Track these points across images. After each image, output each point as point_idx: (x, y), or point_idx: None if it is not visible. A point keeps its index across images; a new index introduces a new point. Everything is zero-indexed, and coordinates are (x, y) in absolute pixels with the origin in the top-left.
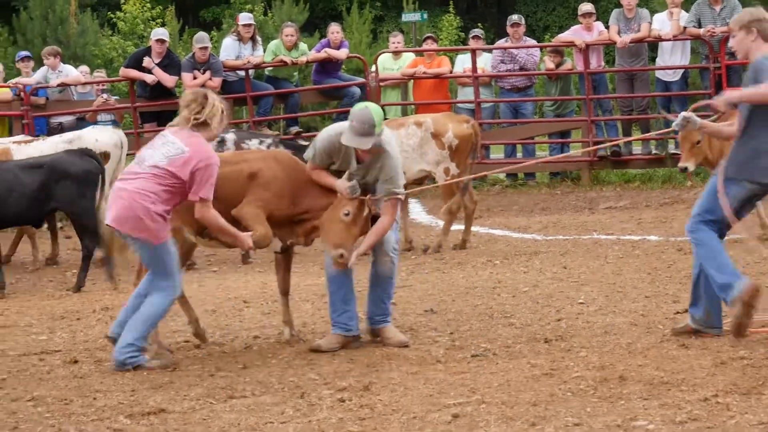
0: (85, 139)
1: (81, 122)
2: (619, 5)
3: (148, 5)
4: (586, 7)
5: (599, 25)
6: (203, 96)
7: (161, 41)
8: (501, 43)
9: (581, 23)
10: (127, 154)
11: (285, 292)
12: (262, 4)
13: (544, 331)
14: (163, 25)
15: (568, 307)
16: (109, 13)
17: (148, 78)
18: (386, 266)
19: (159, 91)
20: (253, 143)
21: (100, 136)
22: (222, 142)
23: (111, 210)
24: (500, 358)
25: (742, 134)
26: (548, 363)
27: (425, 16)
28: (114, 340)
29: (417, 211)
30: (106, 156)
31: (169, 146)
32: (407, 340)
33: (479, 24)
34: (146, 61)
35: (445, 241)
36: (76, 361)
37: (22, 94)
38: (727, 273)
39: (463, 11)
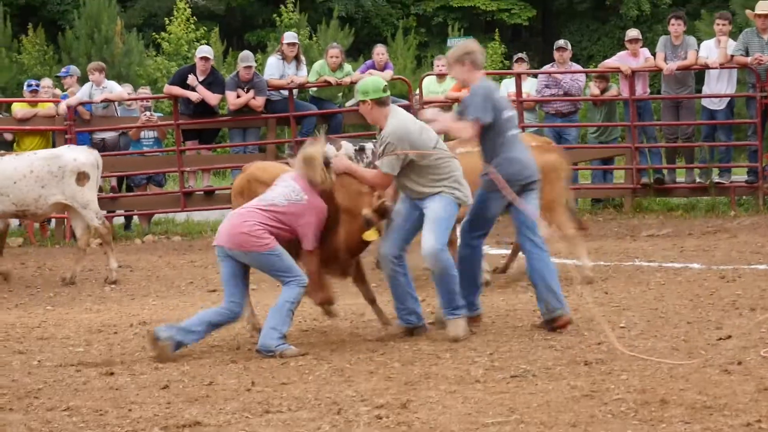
0: (63, 158)
1: (124, 138)
2: (666, 32)
3: (193, 27)
4: (633, 33)
5: (645, 52)
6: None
7: (206, 59)
8: (547, 68)
9: (627, 49)
10: (166, 173)
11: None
12: (308, 28)
13: (584, 353)
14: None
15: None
16: (154, 33)
17: (192, 95)
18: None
19: (202, 108)
20: None
21: (79, 156)
22: (361, 151)
23: (220, 231)
24: (540, 379)
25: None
26: (588, 385)
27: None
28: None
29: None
30: (84, 176)
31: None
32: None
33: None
34: (190, 79)
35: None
36: (112, 373)
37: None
38: None
39: (508, 39)
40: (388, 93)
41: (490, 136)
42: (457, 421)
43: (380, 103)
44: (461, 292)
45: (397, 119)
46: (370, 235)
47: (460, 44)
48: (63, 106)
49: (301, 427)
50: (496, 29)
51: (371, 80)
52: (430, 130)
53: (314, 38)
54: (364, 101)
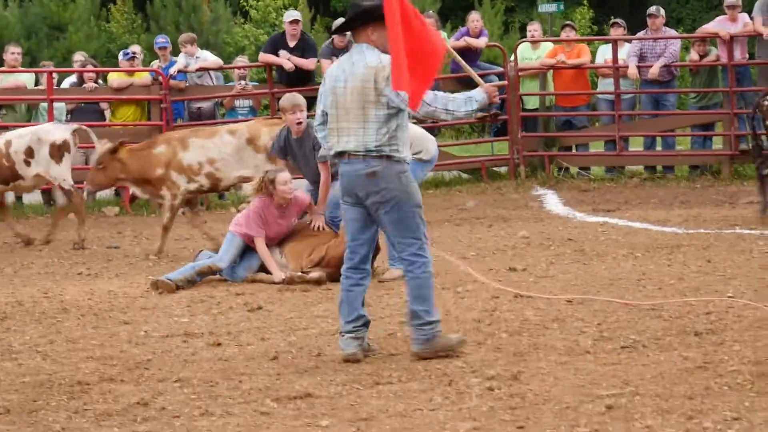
0: (40, 135)
1: (219, 108)
2: None
3: None
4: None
5: (744, 17)
6: None
7: (295, 22)
8: (641, 34)
9: (726, 14)
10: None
11: None
12: None
13: (693, 324)
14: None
15: (717, 300)
16: (241, 1)
17: (287, 64)
18: None
19: (296, 76)
20: None
21: (57, 133)
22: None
23: None
24: (650, 350)
25: None
26: (701, 356)
27: (561, 6)
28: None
29: (554, 202)
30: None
31: None
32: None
33: (611, 16)
34: (282, 55)
35: None
36: (219, 344)
37: (160, 78)
38: None
39: (594, 3)
40: None
41: None
42: (571, 392)
43: None
44: None
45: None
46: None
47: None
48: (173, 70)
49: (412, 399)
50: None
51: None
52: None
53: None
54: None
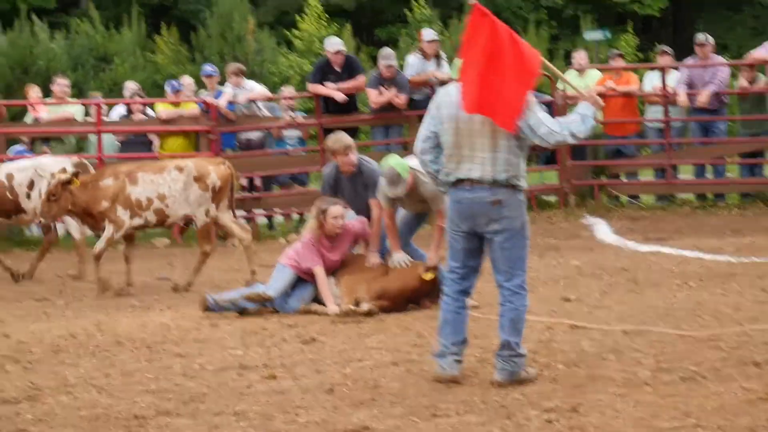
0: (39, 168)
1: (269, 138)
2: None
3: (325, 23)
4: None
5: None
6: None
7: (339, 52)
8: (689, 62)
9: None
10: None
11: None
12: (440, 23)
13: (752, 354)
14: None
15: None
16: (285, 31)
17: (338, 96)
18: None
19: (342, 105)
20: None
21: (55, 166)
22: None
23: None
24: (710, 382)
25: None
26: (762, 387)
27: (608, 34)
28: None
29: (605, 231)
30: None
31: None
32: None
33: (655, 43)
34: (329, 86)
35: (194, 279)
36: (274, 377)
37: (209, 109)
38: None
39: (639, 31)
40: None
41: None
42: (632, 425)
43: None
44: None
45: None
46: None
47: None
48: (223, 101)
49: None
50: (628, 20)
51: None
52: None
53: (446, 33)
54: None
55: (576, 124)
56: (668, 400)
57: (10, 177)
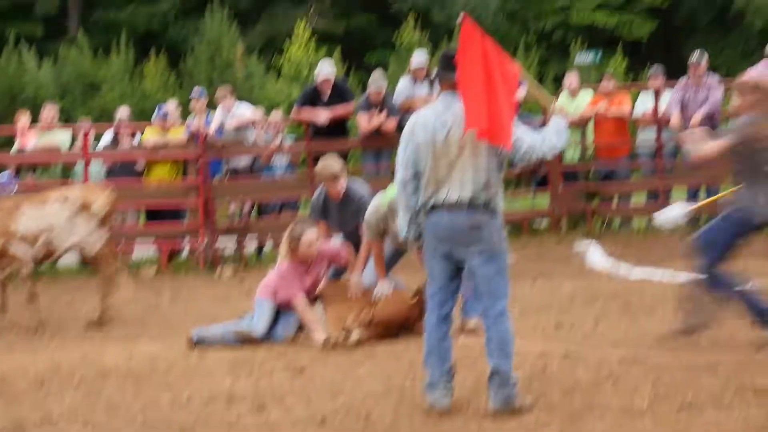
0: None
1: (257, 163)
2: None
3: (313, 49)
4: None
5: None
6: None
7: (327, 80)
8: (682, 82)
9: (766, 59)
10: (300, 198)
11: None
12: (429, 46)
13: (752, 380)
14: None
15: None
16: (274, 57)
17: (321, 118)
18: None
19: (332, 128)
20: None
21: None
22: None
23: None
24: (710, 410)
25: None
26: (763, 415)
27: (599, 56)
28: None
29: (597, 256)
30: None
31: None
32: None
33: (646, 67)
34: (323, 119)
35: (106, 307)
36: (263, 408)
37: (197, 136)
38: None
39: (628, 54)
40: None
41: None
42: None
43: None
44: None
45: None
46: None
47: None
48: (212, 127)
49: None
50: (618, 44)
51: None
52: None
53: (436, 57)
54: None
55: (553, 138)
56: (667, 429)
57: None
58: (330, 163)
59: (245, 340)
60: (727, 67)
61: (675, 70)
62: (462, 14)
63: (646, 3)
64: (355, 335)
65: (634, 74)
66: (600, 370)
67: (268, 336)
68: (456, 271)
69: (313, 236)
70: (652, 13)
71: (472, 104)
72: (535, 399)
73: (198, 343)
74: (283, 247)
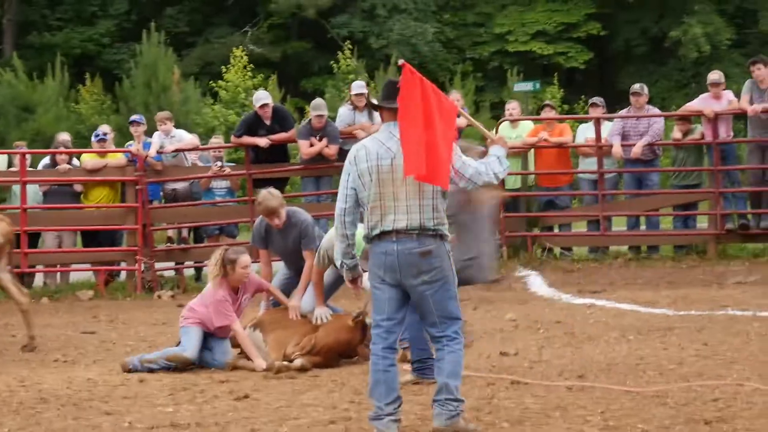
0: None
1: (195, 188)
2: (748, 76)
3: (250, 74)
4: (714, 77)
5: (729, 94)
6: None
7: (265, 106)
8: (623, 112)
9: (710, 92)
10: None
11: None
12: (366, 74)
13: (701, 411)
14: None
15: (722, 386)
16: (210, 81)
17: (262, 142)
18: None
19: (273, 153)
20: None
21: None
22: None
23: None
24: None
25: None
26: None
27: (538, 85)
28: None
29: (538, 283)
30: None
31: None
32: None
33: (582, 96)
34: (264, 143)
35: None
36: None
37: (135, 159)
38: None
39: (564, 83)
40: None
41: None
42: None
43: None
44: None
45: None
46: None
47: None
48: (152, 151)
49: None
50: (555, 73)
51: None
52: None
53: (372, 84)
54: None
55: (495, 165)
56: None
57: None
58: (266, 198)
59: (180, 363)
60: (662, 98)
61: (610, 100)
62: (401, 61)
63: (582, 33)
64: (297, 362)
65: (570, 104)
66: (548, 400)
67: (209, 361)
68: (403, 298)
69: (248, 259)
70: (588, 43)
71: (411, 149)
72: (484, 429)
73: (133, 371)
74: (214, 270)
